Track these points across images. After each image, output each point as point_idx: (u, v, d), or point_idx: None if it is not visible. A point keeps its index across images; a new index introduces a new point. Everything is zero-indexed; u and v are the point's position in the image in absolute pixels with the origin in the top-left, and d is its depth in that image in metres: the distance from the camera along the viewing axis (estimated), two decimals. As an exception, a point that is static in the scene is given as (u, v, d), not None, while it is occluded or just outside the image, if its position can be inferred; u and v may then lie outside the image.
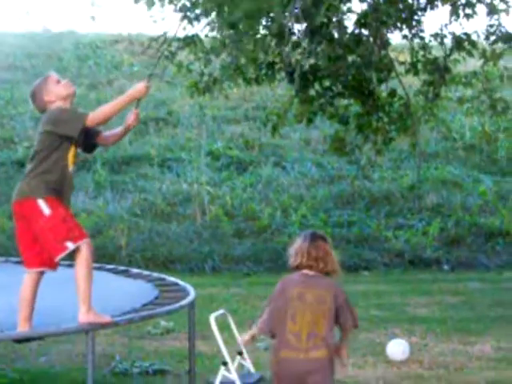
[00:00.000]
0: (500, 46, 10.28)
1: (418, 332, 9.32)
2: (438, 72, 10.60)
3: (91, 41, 26.61)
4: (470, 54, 10.20)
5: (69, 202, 5.24)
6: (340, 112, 11.02)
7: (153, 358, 8.03)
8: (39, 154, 5.07)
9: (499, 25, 10.06)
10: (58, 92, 5.21)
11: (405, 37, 10.54)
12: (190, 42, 10.33)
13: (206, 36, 10.29)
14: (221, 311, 5.69)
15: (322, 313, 4.88)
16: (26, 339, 5.49)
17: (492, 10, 9.88)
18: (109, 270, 8.03)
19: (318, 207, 16.30)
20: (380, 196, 16.99)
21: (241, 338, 5.33)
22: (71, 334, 6.50)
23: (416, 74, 10.79)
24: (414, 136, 11.20)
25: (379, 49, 10.11)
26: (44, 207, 4.99)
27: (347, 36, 10.10)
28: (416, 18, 10.34)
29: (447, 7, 9.96)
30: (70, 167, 5.17)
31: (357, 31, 10.17)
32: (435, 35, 10.37)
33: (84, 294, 5.00)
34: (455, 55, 10.45)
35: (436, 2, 10.23)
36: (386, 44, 10.29)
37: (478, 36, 10.23)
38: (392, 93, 10.87)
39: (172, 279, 7.23)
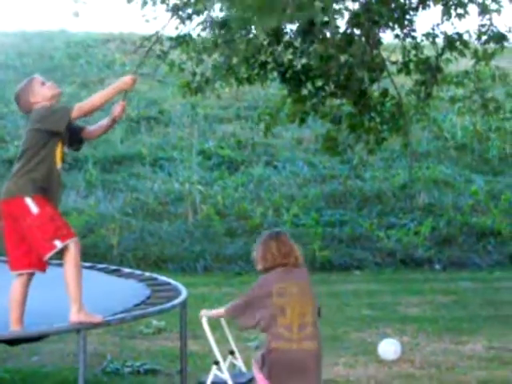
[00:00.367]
0: (492, 45, 10.29)
1: (410, 331, 9.33)
2: (429, 72, 10.61)
3: (82, 40, 26.57)
4: (462, 54, 10.21)
5: (58, 200, 5.23)
6: (332, 111, 11.02)
7: (144, 358, 8.02)
8: (27, 152, 5.07)
9: (491, 24, 10.06)
10: (43, 93, 5.22)
11: (397, 36, 10.53)
12: (182, 41, 10.32)
13: (199, 35, 10.28)
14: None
15: (307, 304, 5.11)
16: (19, 341, 5.46)
17: (484, 10, 9.88)
18: (100, 270, 8.02)
19: (309, 206, 16.31)
20: (372, 195, 17.02)
21: (203, 311, 5.46)
22: (63, 334, 6.49)
23: (408, 73, 10.79)
24: (406, 135, 11.20)
25: (371, 48, 10.12)
26: (32, 206, 4.98)
27: (339, 36, 10.09)
28: (408, 17, 10.34)
29: (439, 7, 9.96)
30: (58, 165, 5.17)
31: (349, 31, 10.17)
32: (427, 35, 10.37)
33: (74, 294, 4.99)
34: (447, 55, 10.45)
35: (428, 2, 10.22)
36: (377, 43, 10.30)
37: (470, 36, 10.22)
38: (384, 92, 10.87)
39: (164, 279, 7.22)
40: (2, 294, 5.37)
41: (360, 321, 9.97)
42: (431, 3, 10.10)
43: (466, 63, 11.04)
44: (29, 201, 4.99)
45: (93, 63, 24.81)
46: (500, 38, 10.07)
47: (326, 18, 8.91)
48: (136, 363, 7.73)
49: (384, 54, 10.67)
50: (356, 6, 10.11)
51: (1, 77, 23.22)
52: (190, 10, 9.72)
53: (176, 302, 6.07)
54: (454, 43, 10.16)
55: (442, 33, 10.29)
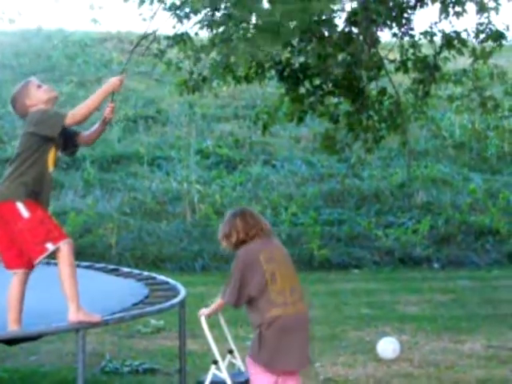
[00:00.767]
0: (490, 44, 10.29)
1: (408, 330, 9.32)
2: (427, 70, 10.62)
3: (80, 39, 26.54)
4: (460, 52, 10.21)
5: (48, 203, 5.21)
6: (330, 110, 11.02)
7: (143, 357, 8.01)
8: (20, 155, 5.05)
9: (489, 23, 10.07)
10: (39, 96, 5.19)
11: (395, 35, 10.54)
12: (180, 40, 10.30)
13: (196, 34, 10.27)
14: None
15: (291, 267, 5.23)
16: (18, 341, 5.45)
17: (482, 8, 9.88)
18: (98, 269, 8.00)
19: (307, 205, 16.31)
20: (370, 194, 17.02)
21: (202, 310, 5.42)
22: (61, 334, 6.48)
23: (406, 72, 10.80)
24: (404, 134, 11.21)
25: (369, 47, 10.11)
26: (23, 210, 4.96)
27: (337, 34, 10.08)
28: (406, 16, 10.34)
29: (437, 5, 9.96)
30: (51, 169, 5.15)
31: (347, 29, 10.16)
32: (425, 33, 10.38)
33: (71, 293, 4.97)
34: (445, 53, 10.46)
35: (425, 0, 10.23)
36: (375, 42, 10.29)
37: (468, 34, 10.24)
38: (382, 91, 10.88)
39: (162, 278, 7.21)
40: None
41: (359, 320, 9.97)
42: (429, 1, 10.10)
43: (464, 61, 11.04)
44: (20, 205, 4.97)
45: (90, 62, 24.78)
46: (498, 36, 10.08)
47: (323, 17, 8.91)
48: (135, 362, 7.71)
49: (382, 53, 10.67)
50: (354, 4, 10.11)
51: (-3, 77, 23.20)
52: (187, 9, 9.70)
53: (175, 301, 6.05)
54: (452, 41, 10.17)
55: (439, 31, 10.31)
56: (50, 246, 4.94)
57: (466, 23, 16.46)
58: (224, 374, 5.30)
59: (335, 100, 11.12)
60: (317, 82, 10.73)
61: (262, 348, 5.01)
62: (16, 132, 18.30)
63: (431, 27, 10.33)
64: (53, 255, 4.99)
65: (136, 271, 7.81)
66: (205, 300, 10.23)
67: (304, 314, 5.16)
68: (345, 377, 7.36)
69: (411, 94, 11.07)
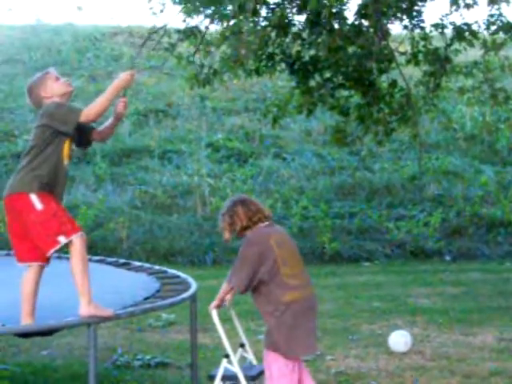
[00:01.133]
0: (501, 35, 10.26)
1: (420, 323, 9.31)
2: (438, 62, 10.58)
3: (90, 33, 26.57)
4: (471, 44, 10.18)
5: (62, 196, 5.19)
6: (341, 103, 11.01)
7: (155, 351, 8.02)
8: (34, 148, 5.02)
9: (500, 15, 10.03)
10: (55, 89, 5.16)
11: (405, 27, 10.52)
12: (190, 34, 10.30)
13: (207, 28, 10.26)
14: (224, 303, 5.67)
15: (297, 251, 5.30)
16: (31, 334, 5.45)
17: (492, 0, 9.84)
18: (110, 263, 8.00)
19: (318, 198, 16.29)
20: (381, 187, 17.00)
21: (213, 304, 5.43)
22: (73, 328, 6.49)
23: (417, 64, 10.78)
24: (415, 127, 11.18)
25: (379, 39, 10.09)
26: (36, 202, 4.94)
27: (347, 27, 10.07)
28: (416, 8, 10.32)
29: (447, -3, 9.93)
30: (65, 162, 5.12)
31: (357, 22, 10.15)
32: (436, 25, 10.35)
33: (82, 287, 4.96)
34: (456, 45, 10.43)
35: (436, -8, 10.20)
36: (386, 34, 10.27)
37: (479, 26, 10.20)
38: (393, 83, 10.85)
39: (173, 272, 7.21)
40: (12, 287, 5.37)
41: (370, 313, 9.96)
42: (439, -7, 10.07)
43: (474, 53, 11.01)
44: (33, 197, 4.95)
45: (101, 57, 24.83)
46: (509, 27, 10.04)
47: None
48: (146, 356, 7.73)
49: (392, 45, 10.65)
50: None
51: (9, 71, 23.25)
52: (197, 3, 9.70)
53: (186, 295, 6.05)
54: (462, 33, 10.13)
55: (450, 23, 10.27)
56: (62, 239, 4.93)
57: (477, 15, 16.38)
58: (235, 368, 5.30)
59: (346, 93, 11.11)
60: (327, 74, 10.72)
61: (280, 335, 5.01)
62: (27, 126, 18.36)
63: (442, 19, 10.30)
64: (66, 248, 4.99)
65: (147, 265, 7.81)
66: (216, 293, 10.28)
67: (315, 296, 5.24)
68: (357, 370, 7.35)
69: (422, 87, 11.04)
